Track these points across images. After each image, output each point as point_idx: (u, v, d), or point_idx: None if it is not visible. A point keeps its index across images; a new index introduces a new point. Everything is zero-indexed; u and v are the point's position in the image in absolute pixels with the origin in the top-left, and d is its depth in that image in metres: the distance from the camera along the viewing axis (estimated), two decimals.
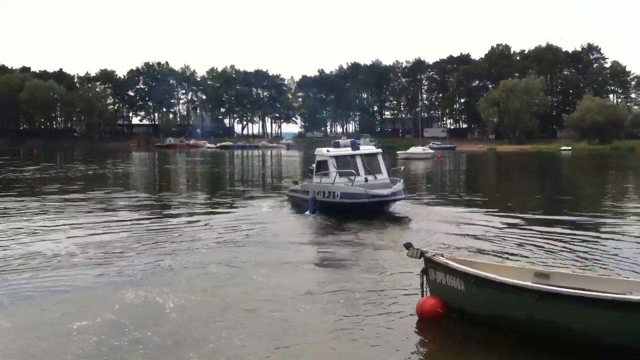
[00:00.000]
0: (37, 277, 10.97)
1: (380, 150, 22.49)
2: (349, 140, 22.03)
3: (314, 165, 21.99)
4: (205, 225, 17.90)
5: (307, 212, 19.59)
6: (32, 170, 48.51)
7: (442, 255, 8.06)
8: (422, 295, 8.10)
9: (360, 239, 15.02)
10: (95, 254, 13.18)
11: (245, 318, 8.34)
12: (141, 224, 17.98)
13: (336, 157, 20.51)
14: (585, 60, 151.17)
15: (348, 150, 20.91)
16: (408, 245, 8.40)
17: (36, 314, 8.74)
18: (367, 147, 22.79)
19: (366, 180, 20.12)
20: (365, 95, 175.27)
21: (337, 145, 21.44)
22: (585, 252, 12.85)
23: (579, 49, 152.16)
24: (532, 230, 16.06)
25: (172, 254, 13.10)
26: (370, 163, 21.02)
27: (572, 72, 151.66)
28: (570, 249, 13.27)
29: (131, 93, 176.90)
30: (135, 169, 54.72)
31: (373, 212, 18.62)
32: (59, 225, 17.62)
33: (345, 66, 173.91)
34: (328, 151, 21.05)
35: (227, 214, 21.00)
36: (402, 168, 27.32)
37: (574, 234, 15.33)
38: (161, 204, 25.16)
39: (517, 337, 7.00)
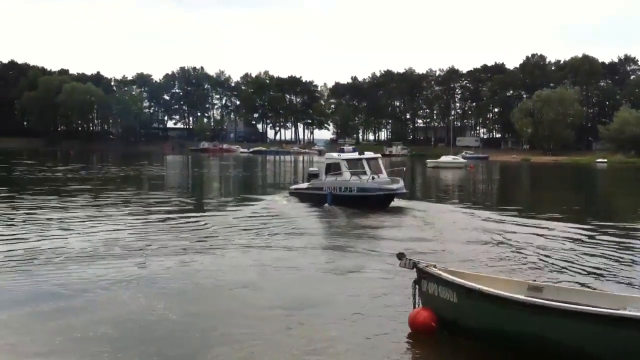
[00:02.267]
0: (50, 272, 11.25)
1: (379, 155, 28.03)
2: (351, 147, 27.83)
3: (314, 169, 27.77)
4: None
5: (326, 205, 22.80)
6: (63, 170, 49.67)
7: (434, 266, 7.93)
8: (414, 307, 8.00)
9: (375, 247, 15.06)
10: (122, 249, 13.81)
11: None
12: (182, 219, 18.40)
13: (347, 160, 24.61)
14: (622, 71, 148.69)
15: (356, 155, 25.53)
16: (401, 256, 8.30)
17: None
18: (369, 153, 27.53)
19: (373, 178, 24.13)
20: (398, 103, 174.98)
21: (342, 151, 26.22)
22: (602, 264, 12.72)
23: (616, 60, 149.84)
24: (555, 240, 15.94)
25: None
26: (373, 165, 25.23)
27: (609, 84, 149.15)
28: (587, 260, 13.10)
29: (166, 97, 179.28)
30: (166, 172, 55.49)
31: (382, 204, 22.81)
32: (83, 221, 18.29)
33: (378, 74, 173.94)
34: (339, 155, 25.41)
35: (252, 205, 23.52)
36: (404, 169, 30.59)
37: (598, 244, 15.20)
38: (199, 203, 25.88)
39: (509, 352, 6.91)
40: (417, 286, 8.03)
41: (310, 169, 30.14)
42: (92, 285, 10.34)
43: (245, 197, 30.17)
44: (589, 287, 10.16)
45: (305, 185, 26.95)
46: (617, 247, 15.23)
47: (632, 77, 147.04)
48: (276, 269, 12.13)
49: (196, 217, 20.47)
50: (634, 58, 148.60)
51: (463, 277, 7.76)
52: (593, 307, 6.62)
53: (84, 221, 18.39)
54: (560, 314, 6.31)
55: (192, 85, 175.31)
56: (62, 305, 9.14)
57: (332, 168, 24.64)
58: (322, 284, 10.98)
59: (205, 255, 13.28)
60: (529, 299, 6.89)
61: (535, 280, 8.87)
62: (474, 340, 7.29)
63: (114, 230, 16.68)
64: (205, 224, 18.54)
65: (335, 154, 26.30)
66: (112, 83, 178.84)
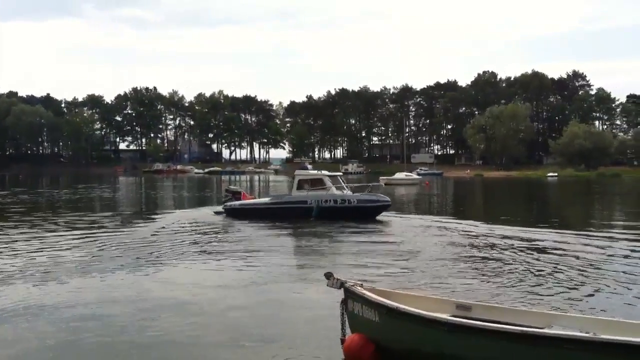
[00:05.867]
0: None
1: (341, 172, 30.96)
2: (310, 166, 30.74)
3: (234, 187, 31.01)
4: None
5: (313, 217, 24.19)
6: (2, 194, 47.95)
7: (361, 285, 7.57)
8: (342, 328, 7.57)
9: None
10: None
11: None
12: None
13: (329, 176, 26.82)
14: (571, 87, 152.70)
15: (332, 172, 28.98)
16: (328, 275, 7.83)
17: None
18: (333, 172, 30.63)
19: (352, 192, 27.00)
20: (353, 121, 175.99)
21: (305, 169, 28.50)
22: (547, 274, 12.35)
23: (565, 76, 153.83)
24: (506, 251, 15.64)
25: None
26: (343, 181, 28.01)
27: (558, 99, 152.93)
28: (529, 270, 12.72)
29: (118, 118, 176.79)
30: (116, 194, 54.05)
31: (375, 215, 25.23)
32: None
33: (333, 92, 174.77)
34: (321, 171, 28.21)
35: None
36: (383, 184, 34.43)
37: (543, 254, 14.89)
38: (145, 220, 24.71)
39: None
40: (344, 306, 7.62)
41: (231, 187, 31.26)
42: None
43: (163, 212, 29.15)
44: (536, 294, 9.68)
45: (264, 200, 28.07)
46: (567, 257, 15.09)
47: (580, 92, 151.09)
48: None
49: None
50: (582, 74, 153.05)
51: (389, 296, 7.40)
52: (518, 325, 6.33)
53: None
54: (476, 333, 6.03)
55: (145, 106, 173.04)
56: None
57: (312, 183, 26.00)
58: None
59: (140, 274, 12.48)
60: (444, 317, 6.57)
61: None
62: None
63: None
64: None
65: (313, 171, 28.60)
66: (63, 105, 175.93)
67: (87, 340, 8.22)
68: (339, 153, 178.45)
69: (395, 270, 13.44)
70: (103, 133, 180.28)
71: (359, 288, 7.45)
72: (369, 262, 14.49)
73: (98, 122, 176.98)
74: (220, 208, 27.86)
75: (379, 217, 25.53)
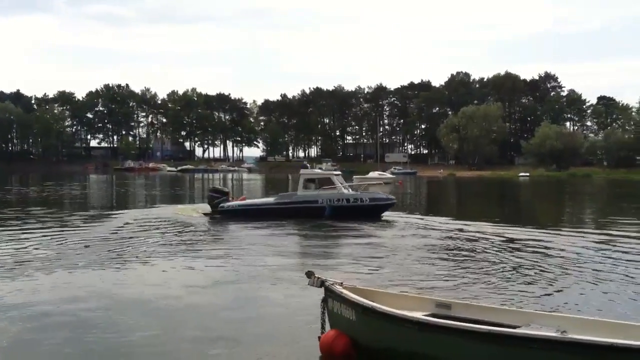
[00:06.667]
0: None
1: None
2: (308, 165, 32.63)
3: (219, 187, 29.55)
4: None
5: (325, 216, 23.88)
6: None
7: (341, 284, 7.49)
8: (322, 327, 7.46)
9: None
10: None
11: None
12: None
13: (337, 175, 27.26)
14: (543, 88, 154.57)
15: (335, 172, 29.75)
16: (309, 274, 7.75)
17: None
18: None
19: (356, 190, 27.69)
20: (327, 120, 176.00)
21: (305, 167, 29.42)
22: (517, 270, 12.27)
23: (537, 77, 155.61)
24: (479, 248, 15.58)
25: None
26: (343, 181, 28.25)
27: (530, 100, 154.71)
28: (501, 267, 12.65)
29: (90, 115, 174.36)
30: (85, 192, 53.14)
31: (384, 212, 25.56)
32: None
33: (307, 91, 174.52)
34: (332, 171, 29.97)
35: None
36: (382, 183, 35.23)
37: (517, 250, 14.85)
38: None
39: None
40: (325, 305, 7.57)
41: (217, 186, 29.66)
42: None
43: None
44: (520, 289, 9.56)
45: (270, 199, 27.37)
46: (542, 255, 15.08)
47: (552, 93, 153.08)
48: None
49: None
50: (554, 75, 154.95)
51: (369, 295, 7.38)
52: (496, 323, 6.31)
53: None
54: (447, 332, 5.98)
55: (117, 103, 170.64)
56: None
57: (320, 183, 25.90)
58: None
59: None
60: (416, 316, 6.50)
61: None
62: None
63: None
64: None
65: (318, 170, 29.89)
66: (33, 101, 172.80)
67: (48, 341, 7.89)
68: (313, 152, 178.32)
69: (375, 268, 13.33)
70: (74, 130, 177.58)
71: (338, 287, 7.40)
72: (350, 261, 14.36)
73: (69, 119, 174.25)
74: (208, 208, 26.03)
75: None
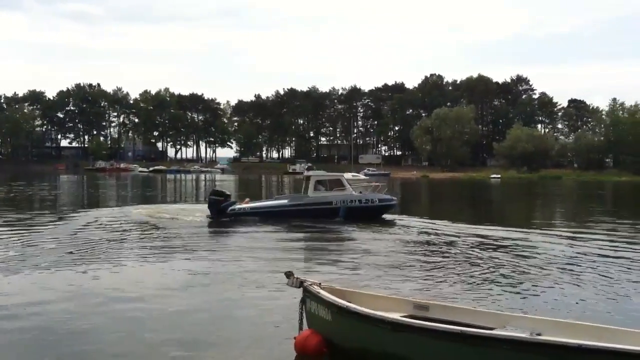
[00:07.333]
0: None
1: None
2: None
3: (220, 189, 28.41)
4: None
5: (339, 218, 24.19)
6: None
7: (319, 284, 7.43)
8: (300, 325, 7.40)
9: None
10: None
11: None
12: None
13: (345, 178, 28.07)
14: (515, 91, 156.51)
15: (337, 174, 29.71)
16: (289, 274, 7.66)
17: None
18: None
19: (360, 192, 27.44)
20: (302, 121, 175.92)
21: (311, 169, 29.87)
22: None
23: (509, 80, 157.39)
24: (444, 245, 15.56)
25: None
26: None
27: (502, 103, 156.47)
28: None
29: (60, 115, 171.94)
30: (54, 192, 52.27)
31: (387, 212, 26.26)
32: None
33: (281, 92, 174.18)
34: (340, 173, 30.03)
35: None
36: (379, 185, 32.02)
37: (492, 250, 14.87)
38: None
39: None
40: (302, 305, 7.52)
41: (217, 189, 28.89)
42: None
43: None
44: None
45: (282, 202, 26.29)
46: (519, 255, 15.13)
47: (523, 96, 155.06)
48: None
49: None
50: (526, 78, 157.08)
51: (347, 296, 7.35)
52: (473, 325, 6.33)
53: None
54: (419, 333, 6.01)
55: (88, 103, 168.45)
56: None
57: (330, 184, 26.20)
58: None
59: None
60: (390, 316, 6.46)
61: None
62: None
63: None
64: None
65: (322, 171, 30.64)
66: (2, 100, 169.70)
67: (11, 344, 7.64)
68: (287, 153, 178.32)
69: (353, 268, 13.25)
70: (44, 130, 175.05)
71: (315, 287, 7.36)
72: (330, 262, 14.26)
73: (39, 119, 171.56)
74: (207, 210, 25.23)
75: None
